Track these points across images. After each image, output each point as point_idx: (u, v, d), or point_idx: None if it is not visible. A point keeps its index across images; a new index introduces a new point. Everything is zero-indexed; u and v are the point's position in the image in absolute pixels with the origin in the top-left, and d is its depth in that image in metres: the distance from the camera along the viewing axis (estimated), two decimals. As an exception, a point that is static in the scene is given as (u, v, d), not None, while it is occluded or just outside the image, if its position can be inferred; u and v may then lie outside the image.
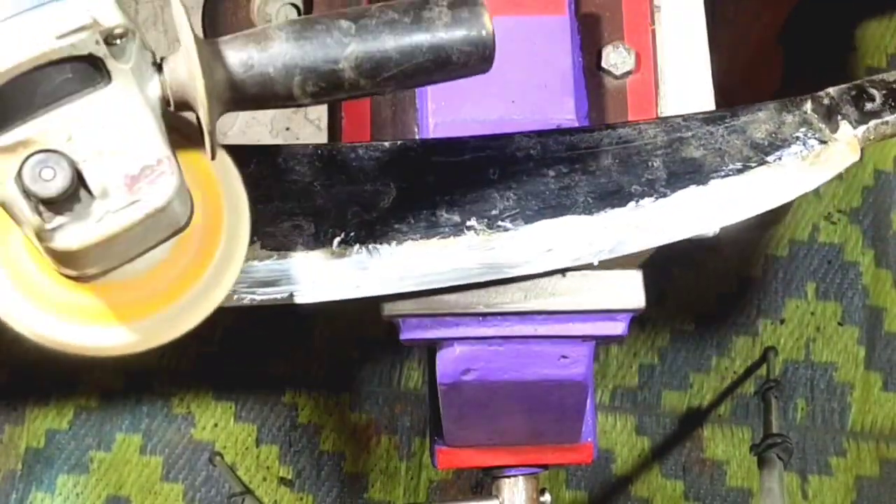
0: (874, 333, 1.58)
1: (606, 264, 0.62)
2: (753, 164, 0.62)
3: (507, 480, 0.81)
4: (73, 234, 0.38)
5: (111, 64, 0.39)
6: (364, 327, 1.55)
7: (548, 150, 0.61)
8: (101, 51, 0.38)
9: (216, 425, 1.52)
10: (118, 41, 0.39)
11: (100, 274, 0.42)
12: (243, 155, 0.58)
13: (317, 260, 0.57)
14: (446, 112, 0.61)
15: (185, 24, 0.41)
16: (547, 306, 0.61)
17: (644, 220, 0.60)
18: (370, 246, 0.57)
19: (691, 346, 1.57)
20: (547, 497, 0.83)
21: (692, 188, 0.61)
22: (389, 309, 0.60)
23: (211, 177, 0.47)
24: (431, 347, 0.67)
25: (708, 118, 0.63)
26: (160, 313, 0.44)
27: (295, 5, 0.70)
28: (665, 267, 1.59)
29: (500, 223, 0.59)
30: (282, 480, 1.50)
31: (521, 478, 0.80)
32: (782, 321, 1.57)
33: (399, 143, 0.60)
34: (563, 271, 0.61)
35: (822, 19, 1.63)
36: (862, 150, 0.64)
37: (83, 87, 0.39)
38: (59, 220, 0.38)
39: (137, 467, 1.50)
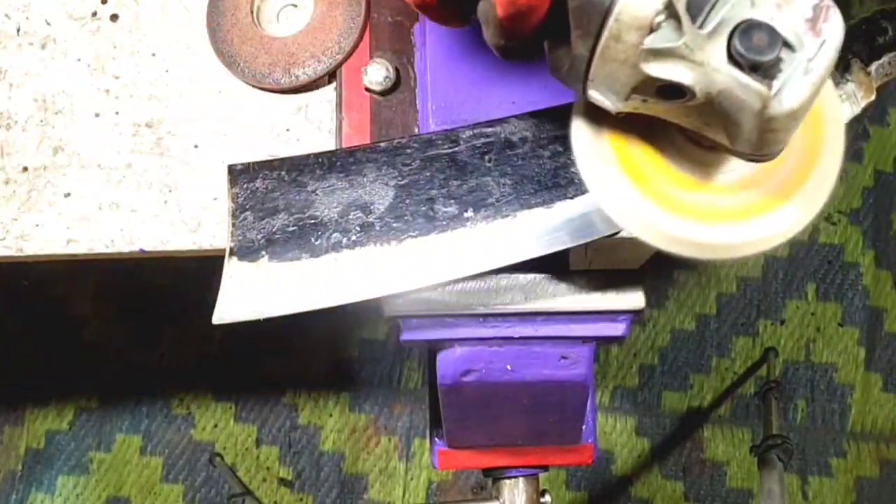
0: (874, 334, 1.58)
1: (606, 264, 0.62)
2: None
3: (507, 481, 0.81)
4: (792, 92, 0.39)
5: None
6: (364, 327, 1.55)
7: (543, 129, 0.60)
8: None
9: (216, 426, 1.52)
10: None
11: (780, 151, 0.43)
12: (250, 172, 0.58)
13: (322, 267, 0.57)
14: (447, 113, 0.61)
15: None
16: (547, 307, 0.61)
17: None
18: (370, 247, 0.57)
19: (691, 347, 1.57)
20: (547, 498, 0.83)
21: None
22: (390, 309, 0.60)
23: None
24: (432, 348, 0.67)
25: None
26: (788, 203, 0.46)
27: (296, 6, 0.70)
28: (665, 267, 1.59)
29: (496, 211, 0.58)
30: (282, 481, 1.50)
31: (521, 479, 0.80)
32: (782, 322, 1.57)
33: (395, 141, 0.60)
34: (564, 254, 0.60)
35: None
36: (878, 88, 0.60)
37: None
38: (776, 83, 0.39)
39: (137, 468, 1.50)
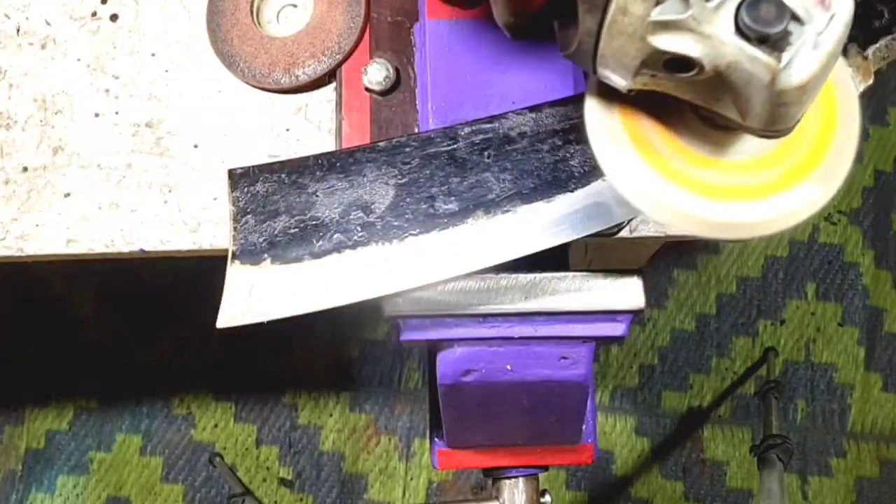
0: (874, 334, 1.58)
1: (606, 264, 0.62)
2: None
3: (507, 481, 0.81)
4: (802, 65, 0.39)
5: None
6: (364, 327, 1.55)
7: (541, 124, 0.60)
8: None
9: (216, 426, 1.52)
10: None
11: (792, 128, 0.43)
12: (250, 176, 0.58)
13: (324, 267, 0.57)
14: (447, 113, 0.61)
15: None
16: (547, 307, 0.61)
17: None
18: (372, 247, 0.58)
19: (691, 347, 1.57)
20: (547, 498, 0.83)
21: None
22: (390, 309, 0.60)
23: None
24: (432, 348, 0.67)
25: None
26: (806, 180, 0.45)
27: (296, 6, 0.70)
28: (665, 267, 1.59)
29: (497, 207, 0.58)
30: (282, 481, 1.50)
31: (521, 479, 0.80)
32: (782, 322, 1.57)
33: (394, 140, 0.60)
34: (564, 253, 0.60)
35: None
36: (876, 73, 0.60)
37: None
38: (785, 56, 0.39)
39: (137, 468, 1.50)
